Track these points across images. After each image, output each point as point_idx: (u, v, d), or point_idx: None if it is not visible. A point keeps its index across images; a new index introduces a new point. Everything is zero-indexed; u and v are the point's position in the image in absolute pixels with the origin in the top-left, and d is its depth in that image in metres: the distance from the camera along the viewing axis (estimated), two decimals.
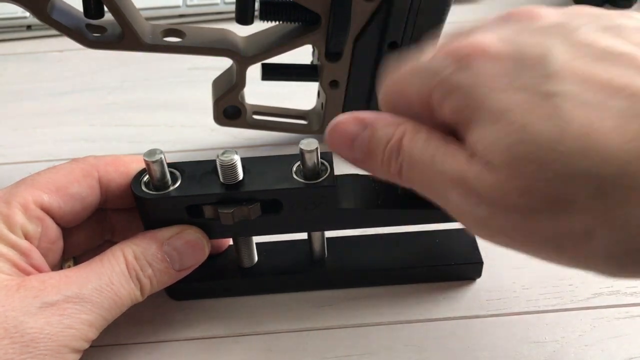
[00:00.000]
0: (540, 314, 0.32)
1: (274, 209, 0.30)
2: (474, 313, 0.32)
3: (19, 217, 0.27)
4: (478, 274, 0.34)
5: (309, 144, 0.28)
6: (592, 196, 0.19)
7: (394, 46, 0.38)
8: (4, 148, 0.45)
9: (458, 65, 0.22)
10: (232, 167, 0.28)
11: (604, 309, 0.32)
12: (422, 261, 0.34)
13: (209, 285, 0.33)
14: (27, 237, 0.28)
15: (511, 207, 0.21)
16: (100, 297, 0.27)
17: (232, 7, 0.45)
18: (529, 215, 0.21)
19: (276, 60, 0.39)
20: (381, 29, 0.37)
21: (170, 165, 0.29)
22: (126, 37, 0.35)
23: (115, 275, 0.27)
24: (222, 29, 0.38)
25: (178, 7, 0.58)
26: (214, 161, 0.29)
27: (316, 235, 0.32)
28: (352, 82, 0.40)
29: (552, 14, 0.23)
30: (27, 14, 0.56)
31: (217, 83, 0.41)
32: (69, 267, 0.30)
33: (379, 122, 0.25)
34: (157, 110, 0.48)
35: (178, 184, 0.29)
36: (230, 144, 0.44)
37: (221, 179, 0.29)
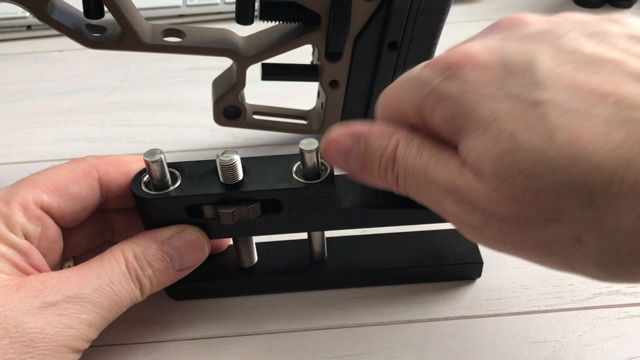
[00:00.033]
0: (540, 314, 0.32)
1: (274, 209, 0.30)
2: (474, 313, 0.33)
3: (19, 217, 0.27)
4: (478, 274, 0.34)
5: (309, 144, 0.28)
6: (580, 205, 0.19)
7: (394, 46, 0.38)
8: (4, 148, 0.45)
9: (446, 74, 0.23)
10: (232, 167, 0.28)
11: (604, 309, 0.32)
12: (422, 261, 0.34)
13: (209, 285, 0.33)
14: (27, 237, 0.28)
15: (502, 216, 0.21)
16: (100, 297, 0.27)
17: (232, 7, 0.45)
18: (519, 223, 0.21)
19: (276, 60, 0.39)
20: (381, 29, 0.37)
21: (170, 165, 0.29)
22: (126, 37, 0.35)
23: (115, 275, 0.27)
24: (222, 29, 0.38)
25: (178, 7, 0.58)
26: (213, 161, 0.29)
27: (316, 235, 0.32)
28: (352, 82, 0.40)
29: (538, 21, 0.24)
30: (27, 14, 0.56)
31: (217, 83, 0.41)
32: (69, 267, 0.30)
33: (372, 135, 0.26)
34: (157, 110, 0.48)
35: (178, 184, 0.29)
36: (230, 144, 0.44)
37: (221, 179, 0.29)
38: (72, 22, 0.35)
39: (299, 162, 0.29)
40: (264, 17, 0.36)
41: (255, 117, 0.42)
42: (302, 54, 0.40)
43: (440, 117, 0.23)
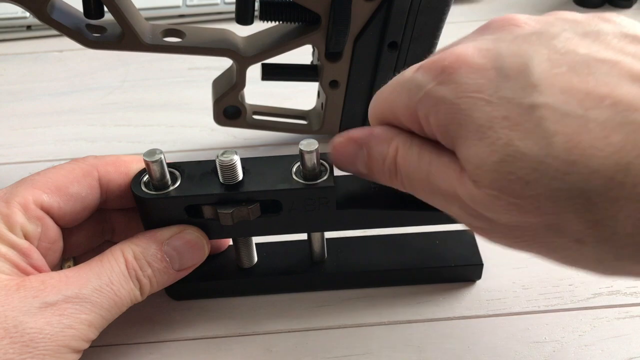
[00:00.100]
0: (540, 314, 0.32)
1: (274, 210, 0.30)
2: (474, 313, 0.32)
3: (19, 217, 0.27)
4: (478, 275, 0.34)
5: (309, 144, 0.28)
6: (579, 210, 0.19)
7: (394, 46, 0.38)
8: (4, 148, 0.45)
9: (440, 78, 0.22)
10: (231, 168, 0.28)
11: (604, 309, 0.32)
12: (422, 262, 0.33)
13: (209, 285, 0.33)
14: (27, 237, 0.28)
15: (504, 222, 0.21)
16: (100, 297, 0.27)
17: (232, 7, 0.45)
18: (521, 228, 0.21)
19: (276, 60, 0.39)
20: (381, 29, 0.37)
21: (170, 165, 0.29)
22: (126, 37, 0.35)
23: (115, 275, 0.27)
24: (222, 29, 0.38)
25: (178, 7, 0.58)
26: (213, 161, 0.29)
27: (316, 236, 0.32)
28: (352, 82, 0.40)
29: (530, 21, 0.23)
30: (27, 14, 0.56)
31: (217, 83, 0.41)
32: (69, 267, 0.30)
33: (371, 141, 0.26)
34: (157, 110, 0.48)
35: (178, 184, 0.29)
36: (230, 144, 0.44)
37: (221, 179, 0.29)
38: (72, 22, 0.35)
39: (298, 163, 0.29)
40: (264, 17, 0.36)
41: (255, 117, 0.42)
42: (302, 54, 0.40)
43: (435, 123, 0.23)
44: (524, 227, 0.21)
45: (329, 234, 0.33)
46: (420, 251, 0.34)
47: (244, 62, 0.38)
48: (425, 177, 0.24)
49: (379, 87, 0.27)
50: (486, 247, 0.34)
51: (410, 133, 0.25)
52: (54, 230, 0.29)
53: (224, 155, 0.28)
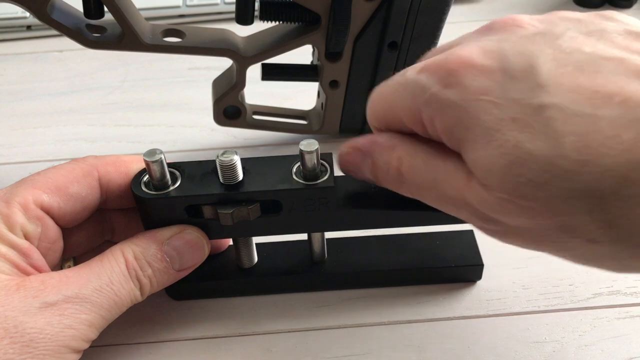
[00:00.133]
0: (540, 314, 0.32)
1: (274, 210, 0.30)
2: (474, 313, 0.32)
3: (19, 217, 0.27)
4: (478, 276, 0.34)
5: (309, 144, 0.28)
6: (592, 210, 0.19)
7: (394, 46, 0.38)
8: (4, 148, 0.45)
9: (446, 81, 0.22)
10: (231, 168, 0.28)
11: (604, 309, 0.32)
12: (422, 263, 0.33)
13: (209, 285, 0.33)
14: (27, 237, 0.28)
15: (516, 225, 0.21)
16: (100, 297, 0.27)
17: (232, 7, 0.45)
18: (534, 229, 0.21)
19: (276, 60, 0.39)
20: (381, 29, 0.37)
21: (170, 165, 0.29)
22: (126, 37, 0.35)
23: (115, 275, 0.27)
24: (222, 29, 0.38)
25: (178, 7, 0.58)
26: (213, 161, 0.29)
27: (316, 236, 0.32)
28: (352, 82, 0.40)
29: (534, 22, 0.23)
30: (27, 14, 0.56)
31: (217, 83, 0.41)
32: (69, 267, 0.30)
33: (375, 150, 0.26)
34: (157, 110, 0.48)
35: (178, 184, 0.29)
36: (230, 144, 0.44)
37: (221, 180, 0.29)
38: (72, 22, 0.35)
39: (299, 163, 0.29)
40: (264, 17, 0.36)
41: (255, 117, 0.42)
42: (302, 54, 0.40)
43: (441, 126, 0.22)
44: (536, 229, 0.21)
45: (329, 234, 0.33)
46: (421, 251, 0.34)
47: (244, 62, 0.38)
48: (432, 184, 0.24)
49: None
50: (486, 247, 0.34)
51: (414, 139, 0.25)
52: (54, 230, 0.29)
53: (224, 155, 0.28)
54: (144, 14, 0.47)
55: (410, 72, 0.24)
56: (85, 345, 0.27)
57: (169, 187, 0.29)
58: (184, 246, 0.29)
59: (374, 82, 0.40)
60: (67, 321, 0.26)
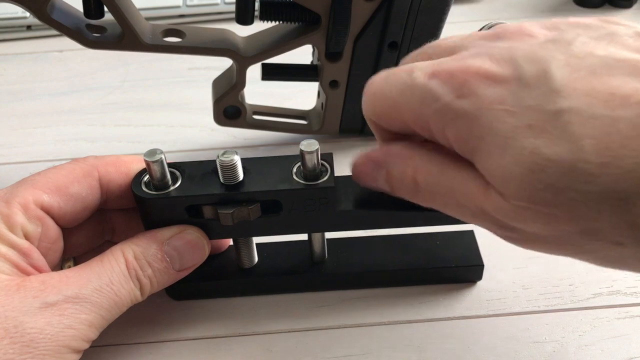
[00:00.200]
0: (540, 314, 0.32)
1: (274, 210, 0.30)
2: (474, 313, 0.33)
3: (19, 217, 0.27)
4: (479, 276, 0.34)
5: (309, 145, 0.28)
6: (615, 212, 0.19)
7: (394, 46, 0.38)
8: (4, 148, 0.45)
9: (459, 92, 0.22)
10: (232, 168, 0.28)
11: (604, 309, 0.32)
12: (423, 263, 0.33)
13: (209, 285, 0.33)
14: (27, 237, 0.28)
15: (537, 232, 0.21)
16: (100, 297, 0.27)
17: (232, 7, 0.45)
18: (556, 235, 0.21)
19: (276, 60, 0.39)
20: (381, 29, 0.37)
21: (170, 165, 0.29)
22: (126, 37, 0.35)
23: (115, 275, 0.27)
24: (222, 29, 0.38)
25: (178, 7, 0.58)
26: (214, 161, 0.29)
27: (316, 236, 0.32)
28: (352, 82, 0.40)
29: (543, 30, 0.23)
30: (27, 14, 0.56)
31: (217, 83, 0.41)
32: (69, 267, 0.30)
33: (389, 161, 0.26)
34: (157, 110, 0.48)
35: (178, 184, 0.29)
36: (230, 144, 0.44)
37: (221, 180, 0.29)
38: (72, 22, 0.35)
39: (299, 163, 0.29)
40: (264, 17, 0.36)
41: (255, 117, 0.42)
42: (302, 54, 0.40)
43: (454, 135, 0.22)
44: (558, 234, 0.21)
45: (329, 234, 0.33)
46: (421, 252, 0.34)
47: (244, 62, 0.38)
48: (449, 194, 0.23)
49: None
50: (487, 248, 0.34)
51: (429, 147, 0.24)
52: (54, 230, 0.29)
53: (225, 156, 0.28)
54: (144, 14, 0.47)
55: (419, 75, 0.24)
56: (86, 345, 0.27)
57: (169, 187, 0.29)
58: (184, 246, 0.29)
59: None
60: (67, 321, 0.26)
